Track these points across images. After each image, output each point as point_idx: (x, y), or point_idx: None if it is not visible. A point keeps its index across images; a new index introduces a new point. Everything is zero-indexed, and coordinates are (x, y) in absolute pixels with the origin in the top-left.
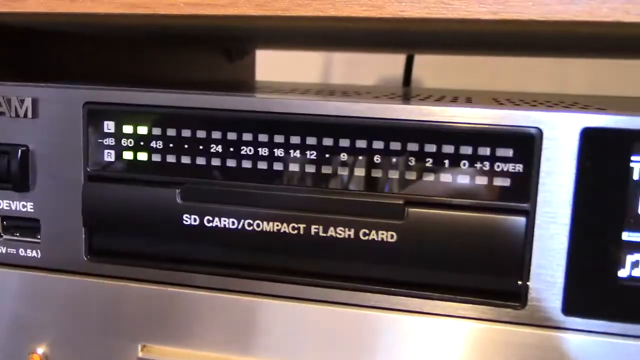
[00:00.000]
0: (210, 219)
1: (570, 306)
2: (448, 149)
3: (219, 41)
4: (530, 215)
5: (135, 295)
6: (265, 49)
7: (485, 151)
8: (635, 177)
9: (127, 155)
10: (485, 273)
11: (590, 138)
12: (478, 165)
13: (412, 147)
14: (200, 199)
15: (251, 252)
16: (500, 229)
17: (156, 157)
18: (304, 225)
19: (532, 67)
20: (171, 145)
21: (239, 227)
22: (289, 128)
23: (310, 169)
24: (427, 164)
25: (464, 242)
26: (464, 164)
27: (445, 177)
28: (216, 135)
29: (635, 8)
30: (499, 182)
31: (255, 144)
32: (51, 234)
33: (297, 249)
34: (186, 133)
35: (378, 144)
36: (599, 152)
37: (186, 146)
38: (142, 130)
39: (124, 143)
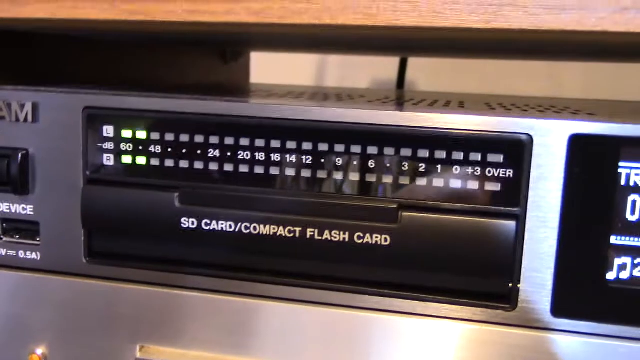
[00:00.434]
0: (208, 222)
1: (560, 308)
2: (440, 154)
3: (214, 44)
4: (520, 219)
5: (133, 297)
6: (259, 51)
7: (476, 157)
8: (622, 182)
9: (126, 159)
10: (477, 275)
11: (578, 144)
12: (470, 170)
13: (406, 152)
14: (198, 202)
15: (248, 255)
16: (491, 233)
17: (155, 162)
18: (300, 229)
19: (524, 70)
20: (169, 149)
21: (236, 230)
22: (285, 133)
23: (306, 173)
24: (420, 169)
25: (456, 245)
26: (456, 169)
27: (438, 182)
28: (214, 140)
29: (622, 18)
30: (490, 187)
31: (252, 148)
32: (51, 236)
33: (292, 252)
34: (184, 138)
35: (372, 149)
36: (587, 158)
37: (184, 151)
38: (141, 134)
39: (123, 147)
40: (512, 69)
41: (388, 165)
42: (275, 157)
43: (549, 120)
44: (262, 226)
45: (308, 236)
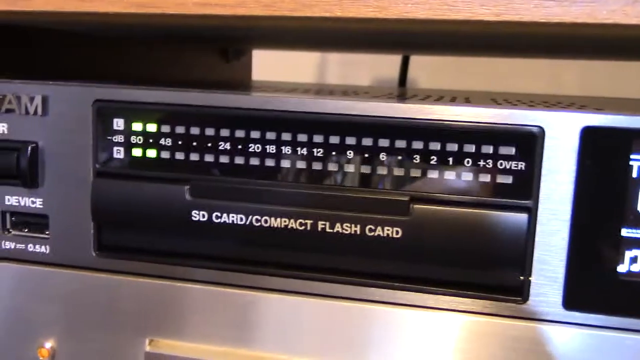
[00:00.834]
0: (219, 215)
1: (571, 301)
2: (452, 147)
3: (216, 41)
4: (532, 212)
5: (143, 290)
6: (261, 49)
7: (488, 149)
8: (634, 174)
9: (136, 152)
10: (488, 268)
11: (590, 136)
12: (481, 163)
13: (417, 145)
14: (208, 195)
15: (258, 248)
16: (502, 226)
17: (165, 154)
18: (311, 222)
19: (525, 68)
20: (180, 142)
21: (247, 223)
22: (296, 126)
23: (317, 166)
24: (432, 162)
25: (467, 238)
26: (468, 162)
27: (450, 175)
28: (225, 132)
29: (634, 10)
30: (501, 179)
31: (263, 141)
32: (60, 229)
33: (304, 244)
34: (195, 130)
35: (384, 142)
36: (599, 150)
37: (195, 143)
38: (151, 127)
39: (133, 140)
40: (513, 68)
41: (399, 157)
42: (286, 149)
43: (561, 113)
44: (272, 219)
45: (319, 229)
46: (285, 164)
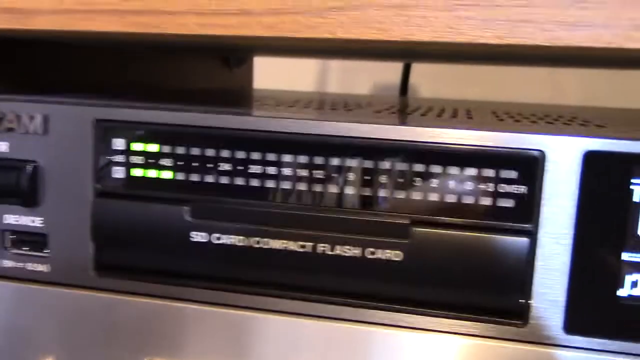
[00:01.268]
0: (219, 236)
1: (572, 324)
2: (453, 170)
3: (218, 50)
4: (533, 235)
5: (141, 310)
6: (263, 56)
7: (489, 173)
8: (635, 199)
9: (136, 172)
10: (489, 291)
11: (592, 161)
12: (482, 186)
13: (418, 167)
14: (209, 216)
15: (258, 269)
16: (503, 249)
17: (165, 175)
18: (311, 244)
19: (527, 76)
20: (180, 163)
21: (247, 244)
22: (297, 148)
23: (317, 188)
24: (433, 185)
25: (468, 261)
26: (469, 185)
27: (450, 198)
28: (225, 153)
29: (637, 34)
30: (502, 203)
31: (264, 162)
32: (59, 248)
33: (303, 267)
34: (195, 151)
35: (384, 164)
36: (600, 174)
37: (195, 164)
38: (152, 147)
39: (133, 160)
40: (515, 76)
41: (400, 180)
42: (287, 171)
43: (562, 137)
44: (272, 241)
45: (319, 251)
46: (286, 185)
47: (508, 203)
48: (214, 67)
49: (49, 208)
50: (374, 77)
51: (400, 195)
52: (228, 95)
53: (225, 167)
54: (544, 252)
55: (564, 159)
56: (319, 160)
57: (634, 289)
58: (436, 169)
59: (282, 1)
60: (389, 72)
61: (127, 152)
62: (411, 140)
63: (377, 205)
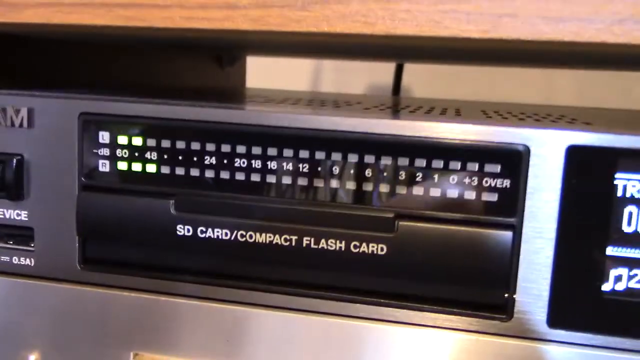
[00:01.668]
0: (204, 229)
1: (555, 319)
2: (437, 163)
3: (210, 48)
4: (517, 229)
5: (127, 304)
6: (256, 55)
7: (473, 166)
8: (619, 193)
9: (122, 165)
10: (473, 286)
11: (575, 155)
12: (466, 180)
13: (403, 161)
14: (194, 209)
15: (243, 263)
16: (487, 243)
17: (150, 168)
18: (296, 237)
19: (519, 76)
20: (166, 156)
21: (232, 238)
22: (282, 141)
23: (302, 181)
24: (417, 178)
25: (452, 255)
26: (453, 179)
27: (435, 191)
28: (210, 147)
29: (620, 29)
30: (486, 197)
31: (249, 156)
32: (45, 242)
33: (288, 260)
34: (180, 144)
35: (369, 158)
36: (584, 169)
37: (180, 157)
38: (137, 141)
39: (119, 154)
40: (507, 76)
41: (385, 174)
42: (272, 164)
43: (546, 130)
44: (257, 234)
45: (304, 245)
46: (271, 179)
47: (492, 197)
48: (206, 66)
49: (35, 202)
50: (368, 77)
51: (385, 189)
52: (217, 92)
53: (211, 160)
54: (528, 246)
55: (548, 153)
56: (304, 154)
57: (617, 283)
58: (420, 162)
59: None
60: (383, 72)
61: (113, 145)
62: (396, 134)
63: (362, 199)
